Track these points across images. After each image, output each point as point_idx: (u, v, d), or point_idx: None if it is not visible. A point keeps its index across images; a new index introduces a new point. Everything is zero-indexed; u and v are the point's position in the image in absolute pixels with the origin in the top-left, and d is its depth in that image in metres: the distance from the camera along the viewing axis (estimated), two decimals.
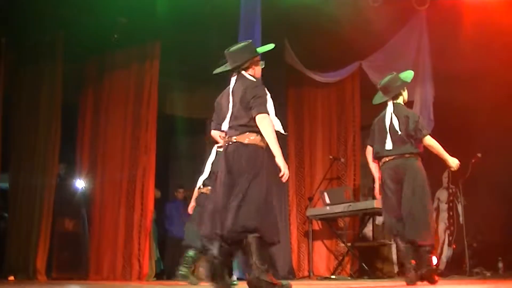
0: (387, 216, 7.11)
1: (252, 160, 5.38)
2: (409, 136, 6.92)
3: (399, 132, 6.93)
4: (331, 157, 11.38)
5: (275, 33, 10.77)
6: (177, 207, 12.93)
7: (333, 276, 10.68)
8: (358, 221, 11.42)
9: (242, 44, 5.84)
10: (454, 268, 10.15)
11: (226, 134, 5.60)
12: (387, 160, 7.02)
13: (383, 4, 10.37)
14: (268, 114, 5.42)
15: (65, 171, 11.67)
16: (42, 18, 10.38)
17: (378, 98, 7.34)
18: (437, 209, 11.30)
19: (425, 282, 6.76)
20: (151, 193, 11.04)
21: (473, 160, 9.49)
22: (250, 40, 5.87)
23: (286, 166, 5.38)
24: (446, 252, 10.65)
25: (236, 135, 5.45)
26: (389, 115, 7.06)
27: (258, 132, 5.41)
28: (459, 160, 7.12)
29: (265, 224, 5.24)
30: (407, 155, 6.93)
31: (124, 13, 10.50)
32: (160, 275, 12.06)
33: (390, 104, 7.14)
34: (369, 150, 7.34)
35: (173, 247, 12.73)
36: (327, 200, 10.76)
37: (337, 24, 10.66)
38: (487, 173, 10.45)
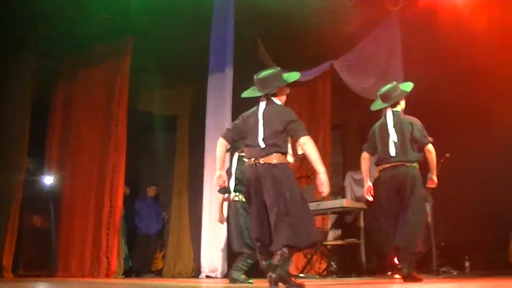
0: (383, 226, 7.38)
1: (286, 178, 5.91)
2: (415, 143, 7.22)
3: (402, 139, 7.22)
4: (300, 155, 11.38)
5: (248, 30, 10.82)
6: (147, 204, 12.90)
7: (301, 275, 10.68)
8: (327, 219, 11.47)
9: (272, 71, 6.28)
10: (421, 267, 10.21)
11: (251, 153, 6.08)
12: (387, 166, 7.26)
13: (356, 4, 10.43)
14: (309, 136, 6.00)
15: (34, 166, 11.56)
16: (20, 12, 10.26)
17: (377, 105, 7.60)
18: None
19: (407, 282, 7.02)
20: (121, 190, 10.99)
21: (442, 160, 9.55)
22: (279, 68, 6.31)
23: (328, 183, 5.94)
24: None
25: (265, 156, 5.93)
26: (391, 122, 7.31)
27: (284, 152, 6.01)
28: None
29: None
30: (408, 164, 7.18)
31: (98, 8, 10.45)
32: (128, 273, 12.00)
33: (389, 112, 7.41)
34: (366, 156, 7.64)
35: (142, 244, 12.70)
36: None
37: (310, 23, 10.71)
38: (455, 173, 10.54)
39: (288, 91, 6.41)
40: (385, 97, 7.45)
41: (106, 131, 11.19)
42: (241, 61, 10.52)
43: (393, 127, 7.25)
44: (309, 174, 11.69)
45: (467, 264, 10.20)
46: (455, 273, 9.60)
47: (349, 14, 10.59)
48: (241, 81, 10.69)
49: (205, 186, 10.90)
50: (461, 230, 10.79)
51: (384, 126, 7.36)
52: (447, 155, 9.67)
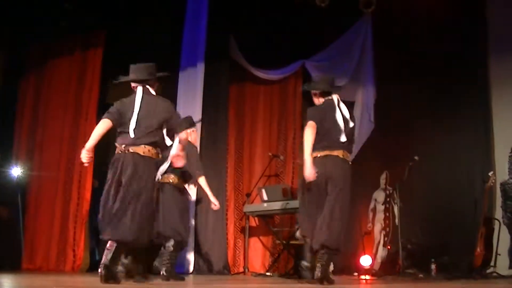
0: (306, 215, 7.07)
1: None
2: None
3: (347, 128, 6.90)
4: (270, 154, 11.38)
5: (221, 27, 10.79)
6: None
7: (268, 273, 10.70)
8: (295, 219, 11.46)
9: (148, 64, 6.71)
10: (388, 269, 10.26)
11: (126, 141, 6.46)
12: (317, 156, 6.79)
13: (330, 5, 10.46)
14: None
15: (2, 157, 11.44)
16: None
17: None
18: (374, 210, 11.37)
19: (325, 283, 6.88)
20: (89, 183, 10.90)
21: (410, 163, 9.61)
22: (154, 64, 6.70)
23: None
24: (381, 252, 10.76)
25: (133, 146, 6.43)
26: (338, 108, 6.93)
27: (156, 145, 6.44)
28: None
29: None
30: (343, 154, 6.82)
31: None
32: (95, 266, 11.90)
33: (335, 97, 7.05)
34: (314, 125, 6.81)
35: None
36: (265, 197, 10.76)
37: (283, 22, 10.71)
38: (423, 176, 10.62)
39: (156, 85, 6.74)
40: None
41: (75, 124, 11.12)
42: (212, 58, 10.51)
43: (341, 113, 6.88)
44: (278, 173, 11.71)
45: (433, 266, 10.26)
46: (421, 275, 9.65)
47: (322, 15, 10.62)
48: (212, 78, 10.66)
49: None
50: (427, 233, 10.86)
51: (331, 109, 6.93)
52: (416, 158, 9.73)
